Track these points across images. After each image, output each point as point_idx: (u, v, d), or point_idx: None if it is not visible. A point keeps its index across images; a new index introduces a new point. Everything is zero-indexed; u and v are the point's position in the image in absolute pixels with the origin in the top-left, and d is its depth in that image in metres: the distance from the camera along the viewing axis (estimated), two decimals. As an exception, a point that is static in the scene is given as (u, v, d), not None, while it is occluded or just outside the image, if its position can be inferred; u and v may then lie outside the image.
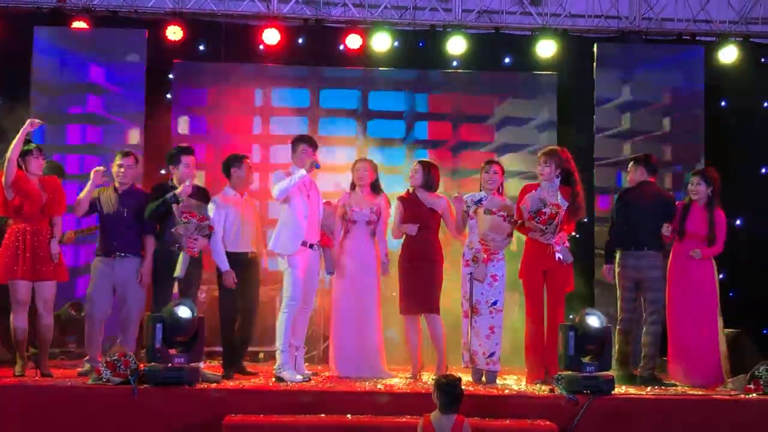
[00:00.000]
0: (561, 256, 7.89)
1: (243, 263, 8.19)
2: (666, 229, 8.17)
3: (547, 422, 6.78)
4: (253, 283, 8.34)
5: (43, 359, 7.93)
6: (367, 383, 7.74)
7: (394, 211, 8.45)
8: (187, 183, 8.04)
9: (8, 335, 8.00)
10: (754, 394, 7.43)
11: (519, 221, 7.98)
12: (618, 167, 10.51)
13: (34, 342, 8.03)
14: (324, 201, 8.27)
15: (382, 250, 8.49)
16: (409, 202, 8.38)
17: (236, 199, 8.28)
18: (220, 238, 8.11)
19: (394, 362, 8.70)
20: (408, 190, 8.50)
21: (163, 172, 10.12)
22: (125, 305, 8.14)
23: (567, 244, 7.94)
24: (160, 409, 6.93)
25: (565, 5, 10.91)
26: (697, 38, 11.04)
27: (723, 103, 11.00)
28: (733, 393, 7.59)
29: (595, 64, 10.80)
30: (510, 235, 8.02)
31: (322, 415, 6.79)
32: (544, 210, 7.80)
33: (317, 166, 7.99)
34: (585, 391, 7.06)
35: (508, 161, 10.26)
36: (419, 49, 11.01)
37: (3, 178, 7.73)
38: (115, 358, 7.12)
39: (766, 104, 11.04)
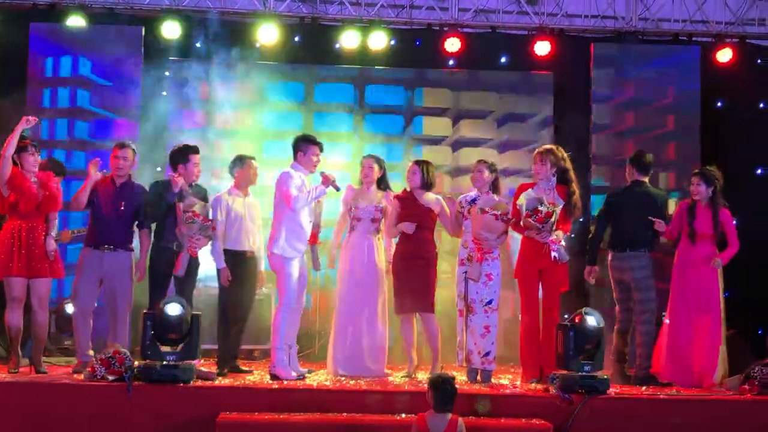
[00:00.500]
0: (557, 255, 7.89)
1: (242, 261, 8.23)
2: (659, 225, 8.17)
3: (542, 421, 6.78)
4: (251, 281, 8.38)
5: (38, 356, 7.92)
6: (362, 382, 7.73)
7: (391, 210, 8.45)
8: (175, 176, 8.05)
9: (3, 332, 7.98)
10: (749, 395, 7.44)
11: (512, 219, 7.97)
12: (614, 167, 10.50)
13: (29, 339, 8.02)
14: None
15: (388, 248, 8.48)
16: (405, 200, 8.37)
17: (239, 198, 8.32)
18: (221, 235, 8.12)
19: (390, 362, 8.69)
20: (405, 188, 8.49)
21: (159, 169, 10.12)
22: (113, 299, 8.08)
23: (563, 243, 7.95)
24: (155, 407, 6.92)
25: (562, 5, 10.92)
26: (694, 39, 11.05)
27: (719, 104, 11.00)
28: (728, 393, 7.60)
29: (591, 64, 10.80)
30: (504, 233, 8.02)
31: (317, 413, 6.78)
32: (540, 208, 7.80)
33: (338, 189, 8.06)
34: (580, 391, 7.06)
35: (505, 160, 10.30)
36: (416, 47, 11.01)
37: None
38: (109, 355, 7.11)
39: (762, 105, 11.05)
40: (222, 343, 8.30)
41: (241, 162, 8.44)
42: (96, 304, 8.20)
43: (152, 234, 8.24)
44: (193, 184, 8.23)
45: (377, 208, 8.40)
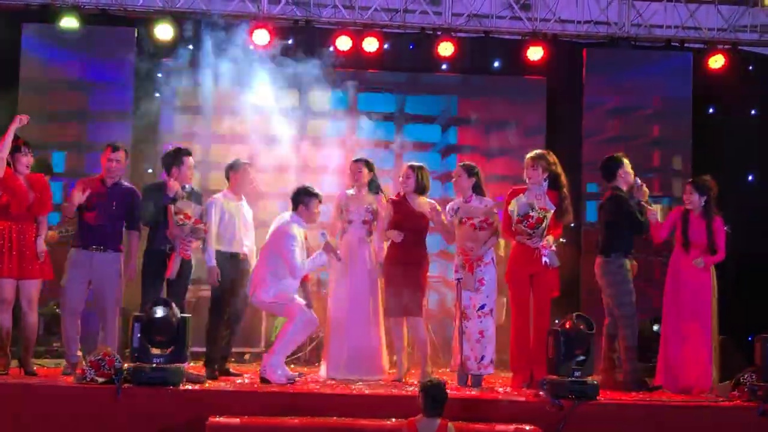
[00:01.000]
0: (548, 261, 7.89)
1: (233, 263, 8.23)
2: (652, 215, 8.17)
3: (532, 426, 6.77)
4: (243, 283, 8.36)
5: (27, 357, 7.89)
6: (352, 386, 7.72)
7: (384, 213, 8.45)
8: (171, 180, 8.03)
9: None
10: (739, 401, 7.45)
11: (494, 225, 7.96)
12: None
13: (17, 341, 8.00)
14: None
15: (380, 251, 8.47)
16: (399, 205, 8.38)
17: (233, 202, 8.35)
18: (214, 235, 8.14)
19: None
20: (398, 192, 8.50)
21: (150, 171, 10.11)
22: (102, 300, 8.05)
23: (554, 248, 7.95)
24: (144, 409, 6.90)
25: (555, 10, 10.93)
26: (686, 45, 11.08)
27: (711, 110, 11.04)
28: (718, 399, 7.61)
29: (584, 69, 10.83)
30: (492, 237, 8.01)
31: (307, 417, 6.77)
32: (531, 214, 7.81)
33: (340, 260, 8.13)
34: (570, 396, 7.06)
35: (496, 165, 10.31)
36: (409, 51, 11.02)
37: None
38: (99, 357, 7.08)
39: (753, 112, 11.09)
40: (210, 345, 8.29)
41: (236, 167, 8.47)
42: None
43: (146, 236, 8.22)
44: (187, 186, 8.21)
45: (368, 211, 8.41)
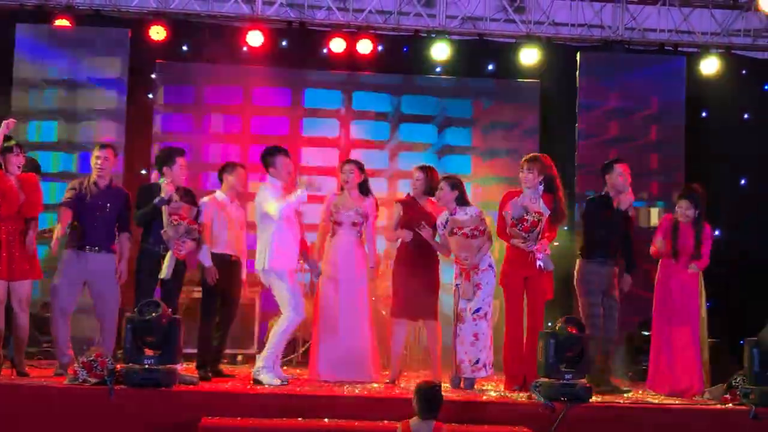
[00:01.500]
0: (542, 264, 7.90)
1: (226, 264, 8.24)
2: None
3: (525, 429, 6.77)
4: (235, 285, 8.37)
5: (19, 358, 7.86)
6: (345, 387, 7.72)
7: (394, 213, 8.45)
8: (166, 182, 8.01)
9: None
10: (731, 404, 7.46)
11: (484, 232, 7.96)
12: (599, 175, 10.51)
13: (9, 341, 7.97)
14: None
15: (371, 254, 8.46)
16: (408, 205, 8.38)
17: (225, 203, 8.37)
18: (208, 237, 8.16)
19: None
20: (408, 193, 8.50)
21: (144, 171, 10.10)
22: (101, 302, 8.02)
23: (548, 251, 7.95)
24: (137, 411, 6.87)
25: (549, 13, 10.96)
26: (679, 49, 11.11)
27: (704, 114, 11.08)
28: (710, 402, 7.62)
29: (578, 72, 10.85)
30: (485, 244, 8.01)
31: (299, 419, 6.76)
32: (526, 217, 7.81)
33: (320, 189, 8.08)
34: (562, 399, 7.06)
35: (492, 167, 10.33)
36: (403, 54, 11.04)
37: None
38: (91, 358, 7.06)
39: (746, 116, 11.12)
40: (202, 346, 8.28)
41: (230, 168, 8.47)
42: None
43: (139, 237, 8.21)
44: (180, 187, 8.20)
45: (357, 213, 8.38)
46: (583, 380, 7.22)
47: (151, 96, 10.72)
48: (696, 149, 10.79)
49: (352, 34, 10.71)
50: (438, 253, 8.31)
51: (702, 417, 7.25)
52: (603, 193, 8.30)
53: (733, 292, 10.26)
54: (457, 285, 8.02)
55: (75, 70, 10.38)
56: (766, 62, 11.38)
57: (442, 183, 8.20)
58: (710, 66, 10.86)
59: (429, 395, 6.06)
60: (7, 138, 7.78)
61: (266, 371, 7.73)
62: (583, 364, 7.25)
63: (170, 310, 7.36)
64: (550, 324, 7.68)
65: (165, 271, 7.89)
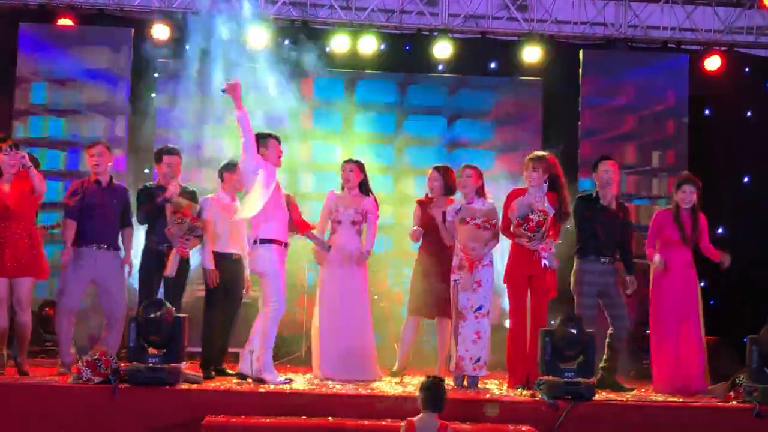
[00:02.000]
0: (547, 263, 7.90)
1: (228, 263, 8.22)
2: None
3: (528, 427, 6.78)
4: (238, 283, 8.37)
5: (21, 358, 7.87)
6: (349, 386, 7.73)
7: (414, 214, 8.51)
8: (172, 185, 8.03)
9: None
10: (735, 402, 7.47)
11: (496, 226, 7.96)
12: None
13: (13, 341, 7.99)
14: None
15: (367, 243, 8.43)
16: (426, 206, 8.41)
17: (226, 202, 8.33)
18: (210, 237, 8.14)
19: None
20: (426, 194, 8.53)
21: (147, 171, 10.11)
22: (108, 299, 8.03)
23: (552, 249, 7.96)
24: (140, 409, 6.88)
25: (552, 11, 10.96)
26: (682, 46, 11.12)
27: (707, 112, 11.07)
28: (714, 400, 7.62)
29: (580, 70, 10.85)
30: (493, 239, 8.03)
31: (303, 417, 6.77)
32: (531, 217, 7.80)
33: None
34: (566, 397, 7.07)
35: (493, 165, 10.32)
36: (406, 52, 11.05)
37: None
38: (95, 357, 7.08)
39: (749, 113, 11.12)
40: (205, 344, 8.29)
41: (230, 167, 8.45)
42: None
43: (143, 235, 8.23)
44: (182, 185, 8.23)
45: (357, 212, 8.40)
46: (587, 378, 7.22)
47: (154, 95, 10.72)
48: (699, 147, 10.79)
49: (355, 33, 10.72)
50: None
51: (706, 415, 7.25)
52: (589, 191, 8.33)
53: (735, 289, 10.26)
54: (455, 280, 8.02)
55: (78, 69, 10.41)
56: (769, 60, 11.39)
57: (469, 170, 8.19)
58: (713, 64, 10.87)
59: (434, 388, 6.07)
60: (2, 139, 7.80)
61: (268, 368, 7.70)
62: (585, 362, 7.24)
63: (174, 308, 7.38)
64: (552, 322, 7.68)
65: (169, 268, 7.91)
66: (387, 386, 7.90)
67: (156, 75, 10.75)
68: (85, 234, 8.01)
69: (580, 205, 8.30)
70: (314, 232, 8.29)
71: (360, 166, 8.52)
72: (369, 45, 10.70)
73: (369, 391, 7.53)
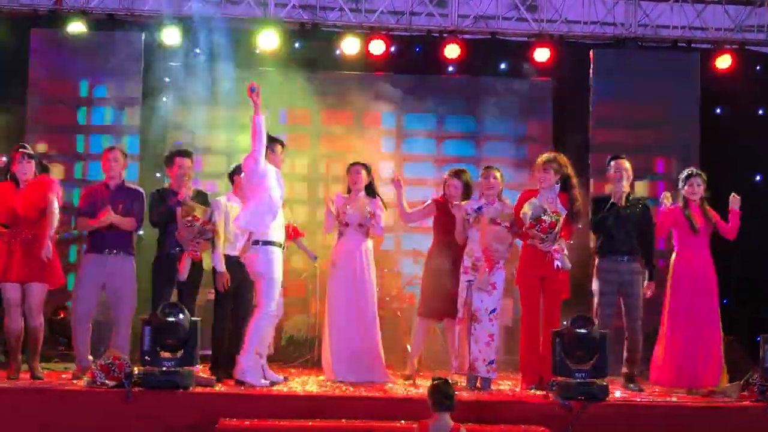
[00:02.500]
0: (559, 264, 7.90)
1: (237, 266, 8.22)
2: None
3: (542, 428, 6.77)
4: (247, 287, 8.37)
5: (34, 362, 7.90)
6: (362, 388, 7.73)
7: (426, 204, 8.58)
8: (184, 187, 8.08)
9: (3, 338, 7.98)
10: (748, 401, 7.44)
11: (520, 230, 7.97)
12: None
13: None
14: None
15: (375, 229, 8.43)
16: (443, 207, 8.45)
17: (236, 205, 8.33)
18: (221, 239, 8.17)
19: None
20: (442, 194, 8.58)
21: (158, 175, 10.14)
22: (117, 304, 8.08)
23: (565, 251, 7.95)
24: (154, 413, 6.91)
25: (561, 11, 10.94)
26: (693, 45, 11.08)
27: (718, 110, 11.04)
28: (727, 400, 7.60)
29: (591, 70, 10.83)
30: (512, 244, 8.04)
31: (317, 419, 6.78)
32: (543, 218, 7.78)
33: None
34: (579, 398, 7.06)
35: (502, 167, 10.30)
36: (415, 54, 11.05)
37: None
38: (109, 361, 7.10)
39: (761, 112, 11.09)
40: (216, 347, 8.31)
41: (240, 171, 8.45)
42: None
43: (155, 240, 8.28)
44: (193, 188, 8.28)
45: (363, 214, 8.42)
46: (600, 379, 7.21)
47: (165, 99, 10.75)
48: (710, 146, 10.75)
49: (365, 35, 10.72)
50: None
51: (719, 414, 7.24)
52: (603, 192, 8.37)
53: (747, 288, 10.23)
54: (469, 281, 8.01)
55: (89, 74, 10.42)
56: (780, 58, 11.34)
57: (493, 173, 8.23)
58: (724, 62, 10.82)
59: (442, 389, 6.09)
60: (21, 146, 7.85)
61: (251, 372, 7.65)
62: (599, 362, 7.22)
63: (188, 311, 7.40)
64: (564, 323, 7.68)
65: (181, 272, 7.93)
66: (399, 388, 7.91)
67: (167, 79, 10.77)
68: (95, 240, 8.09)
69: (593, 204, 8.35)
70: (303, 240, 8.31)
71: (367, 168, 8.55)
72: (379, 47, 10.70)
73: (381, 393, 7.54)
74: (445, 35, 10.84)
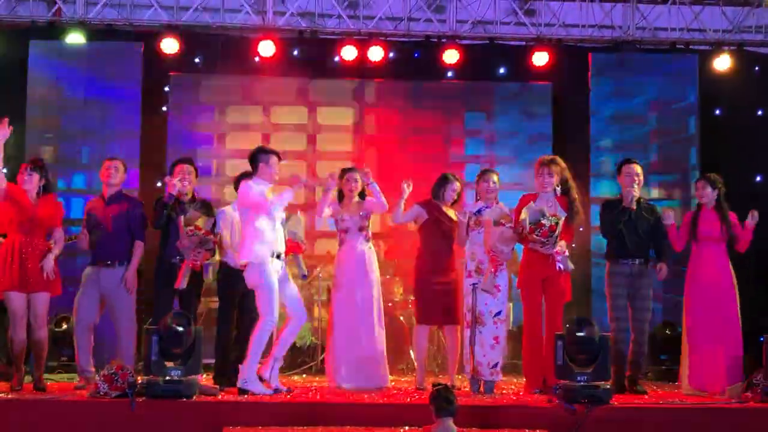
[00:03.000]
0: (561, 266, 7.91)
1: (242, 275, 8.22)
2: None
3: (545, 432, 6.78)
4: (251, 297, 8.38)
5: (37, 373, 7.90)
6: (366, 394, 7.73)
7: (412, 209, 8.44)
8: (171, 178, 8.12)
9: (6, 349, 7.99)
10: (752, 402, 7.44)
11: (523, 231, 7.97)
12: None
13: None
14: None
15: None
16: (432, 208, 8.41)
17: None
18: (230, 245, 8.21)
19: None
20: (429, 198, 8.52)
21: (159, 184, 10.15)
22: (115, 315, 8.11)
23: (566, 253, 7.96)
24: (158, 422, 6.91)
25: (559, 15, 10.94)
26: (691, 47, 11.08)
27: (717, 112, 11.04)
28: (731, 401, 7.59)
29: (589, 73, 10.84)
30: (514, 246, 8.04)
31: (321, 426, 6.78)
32: (543, 222, 7.77)
33: (304, 181, 8.08)
34: (583, 401, 7.05)
35: (502, 171, 10.30)
36: (414, 60, 11.05)
37: None
38: (112, 371, 7.10)
39: (760, 112, 11.07)
40: (220, 356, 8.32)
41: (245, 179, 8.48)
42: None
43: (157, 249, 8.28)
44: (196, 198, 8.29)
45: (362, 217, 8.43)
46: (603, 381, 7.21)
47: (164, 109, 10.77)
48: (710, 147, 10.76)
49: (363, 42, 10.73)
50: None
51: (722, 416, 7.23)
52: (618, 194, 8.36)
53: (750, 289, 10.20)
54: (473, 285, 8.01)
55: (89, 85, 10.44)
56: (779, 58, 11.35)
57: (493, 176, 8.25)
58: (722, 63, 10.82)
59: (445, 394, 6.09)
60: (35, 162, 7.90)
61: (253, 381, 7.66)
62: (601, 365, 7.22)
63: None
64: (567, 326, 7.68)
65: (180, 281, 7.93)
66: (404, 394, 7.91)
67: (167, 89, 10.79)
68: (92, 253, 8.16)
69: (602, 208, 8.39)
70: (300, 256, 8.31)
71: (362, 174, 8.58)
72: (377, 53, 10.71)
73: (385, 399, 7.54)
74: (443, 41, 10.85)
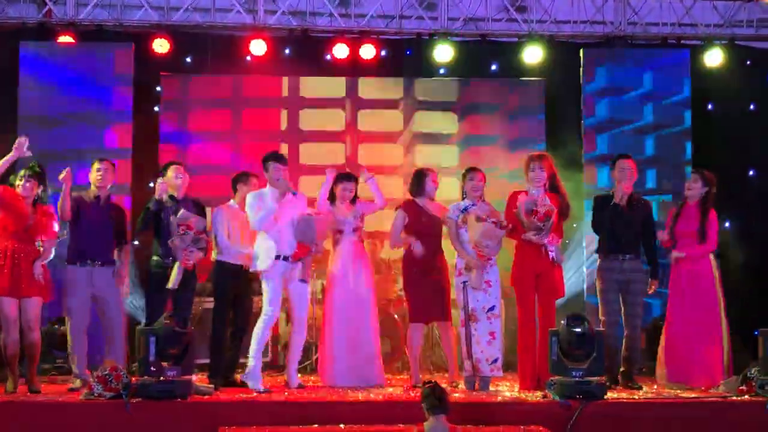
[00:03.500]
0: (554, 255, 7.96)
1: (238, 274, 8.25)
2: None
3: (541, 428, 6.77)
4: (247, 294, 8.40)
5: (31, 376, 7.88)
6: (360, 393, 7.73)
7: (395, 219, 8.42)
8: (160, 182, 8.18)
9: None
10: (747, 396, 7.45)
11: (511, 226, 7.97)
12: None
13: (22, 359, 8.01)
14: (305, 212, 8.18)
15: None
16: (414, 209, 8.39)
17: (238, 213, 8.39)
18: (225, 239, 8.26)
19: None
20: (409, 198, 8.52)
21: (151, 185, 10.12)
22: (106, 315, 8.09)
23: (558, 243, 8.01)
24: (153, 423, 6.89)
25: (551, 11, 10.94)
26: (683, 42, 11.09)
27: (710, 106, 11.05)
28: (725, 395, 7.60)
29: (581, 69, 10.85)
30: (501, 241, 8.03)
31: (315, 425, 6.77)
32: (537, 209, 7.82)
33: (294, 193, 8.06)
34: (577, 396, 7.05)
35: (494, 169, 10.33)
36: (406, 57, 11.05)
37: None
38: (106, 372, 7.08)
39: (752, 107, 11.09)
40: (215, 356, 8.32)
41: (243, 178, 8.53)
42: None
43: (150, 250, 8.28)
44: (189, 198, 8.28)
45: (355, 217, 8.47)
46: (598, 377, 7.21)
47: (156, 109, 10.76)
48: (703, 142, 10.78)
49: (355, 40, 10.72)
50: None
51: (717, 410, 7.24)
52: (610, 189, 8.37)
53: (744, 283, 10.24)
54: (464, 282, 8.00)
55: (80, 86, 10.40)
56: (770, 52, 11.36)
57: (478, 174, 8.23)
58: (714, 58, 10.83)
59: (434, 393, 6.09)
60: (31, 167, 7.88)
61: (254, 376, 7.87)
62: (595, 361, 7.22)
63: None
64: (561, 322, 7.68)
65: (172, 281, 7.93)
66: (398, 391, 7.91)
67: (158, 89, 10.78)
68: (81, 252, 8.07)
69: (594, 203, 8.37)
70: (308, 260, 8.32)
71: (355, 180, 8.59)
72: (369, 51, 10.70)
73: (380, 397, 7.54)
74: (435, 38, 10.84)
